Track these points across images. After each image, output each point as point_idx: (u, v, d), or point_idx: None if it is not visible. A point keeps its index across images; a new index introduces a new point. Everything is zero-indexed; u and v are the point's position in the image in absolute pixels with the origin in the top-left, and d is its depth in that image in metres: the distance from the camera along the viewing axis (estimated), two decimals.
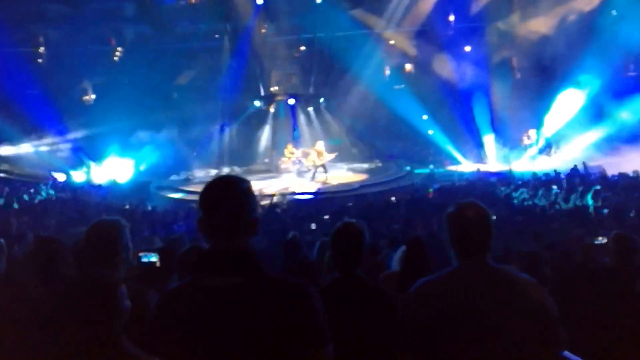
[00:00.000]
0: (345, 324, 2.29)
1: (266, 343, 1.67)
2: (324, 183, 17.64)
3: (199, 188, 1.89)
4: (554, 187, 12.78)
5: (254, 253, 1.80)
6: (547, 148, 19.58)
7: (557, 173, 14.44)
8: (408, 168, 20.12)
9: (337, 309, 2.21)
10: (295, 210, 13.10)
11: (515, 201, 12.24)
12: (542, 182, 13.64)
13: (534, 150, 19.86)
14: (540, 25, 19.39)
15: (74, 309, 2.32)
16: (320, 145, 18.21)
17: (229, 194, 1.80)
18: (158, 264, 3.71)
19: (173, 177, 20.29)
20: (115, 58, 23.06)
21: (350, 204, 13.44)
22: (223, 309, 1.71)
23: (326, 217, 10.68)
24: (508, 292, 2.14)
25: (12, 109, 21.17)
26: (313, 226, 10.22)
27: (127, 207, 14.39)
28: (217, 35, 23.13)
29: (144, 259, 4.01)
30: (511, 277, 2.20)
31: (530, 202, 11.90)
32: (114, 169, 20.69)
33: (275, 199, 14.55)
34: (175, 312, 1.76)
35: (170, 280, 3.36)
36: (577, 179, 13.59)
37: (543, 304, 2.14)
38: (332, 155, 18.86)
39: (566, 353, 2.60)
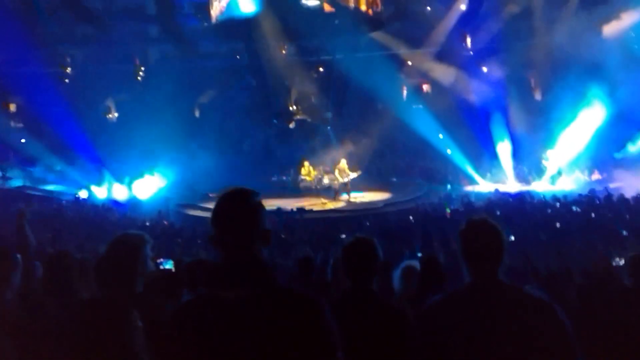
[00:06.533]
0: (355, 336, 2.30)
1: (276, 354, 1.70)
2: (347, 201, 17.55)
3: None
4: (574, 207, 12.62)
5: (265, 265, 1.83)
6: (558, 175, 19.35)
7: (580, 195, 14.27)
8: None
9: (347, 321, 2.22)
10: (314, 228, 13.08)
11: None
12: (562, 203, 13.46)
13: (550, 173, 19.63)
14: (559, 45, 19.25)
15: (90, 330, 2.37)
16: (344, 163, 18.13)
17: (239, 208, 1.84)
18: (174, 271, 3.79)
19: (194, 194, 20.37)
20: (139, 77, 23.54)
21: (368, 223, 13.37)
22: (235, 321, 1.73)
23: (343, 236, 10.64)
24: (519, 310, 2.15)
25: (39, 126, 21.77)
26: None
27: (148, 223, 14.56)
28: (238, 56, 23.51)
29: (161, 266, 4.10)
30: (523, 295, 2.21)
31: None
32: (137, 186, 20.94)
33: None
34: (188, 325, 1.80)
35: (182, 288, 3.40)
36: (598, 200, 13.37)
37: (556, 323, 2.14)
38: (356, 174, 18.74)
39: None
